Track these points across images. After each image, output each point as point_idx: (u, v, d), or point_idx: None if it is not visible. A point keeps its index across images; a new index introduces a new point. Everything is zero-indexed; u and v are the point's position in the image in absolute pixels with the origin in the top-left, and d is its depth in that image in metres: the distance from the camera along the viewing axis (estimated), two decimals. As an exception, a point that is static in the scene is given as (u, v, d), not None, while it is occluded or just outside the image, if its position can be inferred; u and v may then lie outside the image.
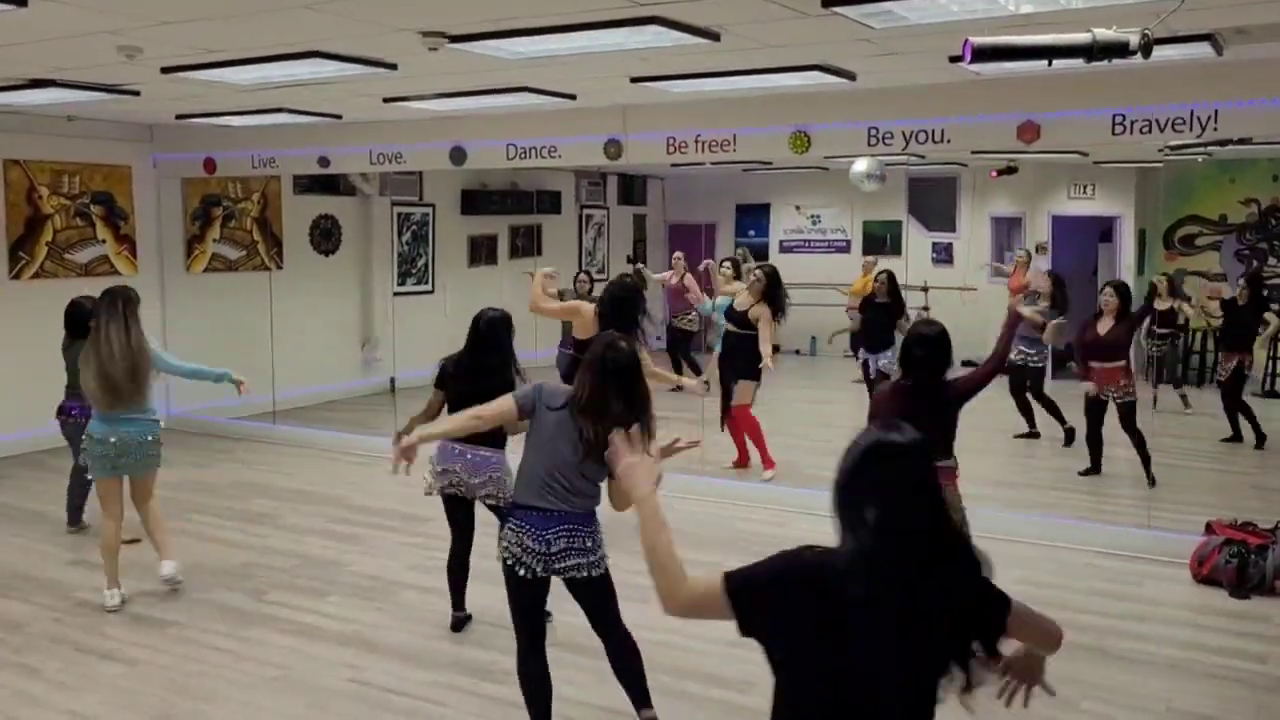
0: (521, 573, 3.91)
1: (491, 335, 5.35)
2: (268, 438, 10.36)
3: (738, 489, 8.09)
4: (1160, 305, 10.65)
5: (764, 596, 2.22)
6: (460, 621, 5.50)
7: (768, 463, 8.43)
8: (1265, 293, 10.73)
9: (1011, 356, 9.95)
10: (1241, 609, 5.87)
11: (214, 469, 9.19)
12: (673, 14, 5.09)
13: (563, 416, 3.95)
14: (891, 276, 10.43)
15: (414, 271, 13.15)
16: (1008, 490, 8.30)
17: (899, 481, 2.21)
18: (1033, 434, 10.06)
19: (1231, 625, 5.64)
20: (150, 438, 5.85)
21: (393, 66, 6.44)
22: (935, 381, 4.92)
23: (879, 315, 10.30)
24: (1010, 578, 6.04)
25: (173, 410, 11.01)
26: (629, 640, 4.16)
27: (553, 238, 14.84)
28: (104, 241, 10.31)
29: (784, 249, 15.88)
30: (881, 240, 14.97)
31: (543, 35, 5.47)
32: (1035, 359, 9.81)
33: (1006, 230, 14.52)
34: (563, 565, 3.93)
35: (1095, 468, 8.57)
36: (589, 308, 6.56)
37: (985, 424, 10.03)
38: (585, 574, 3.96)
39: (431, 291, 13.12)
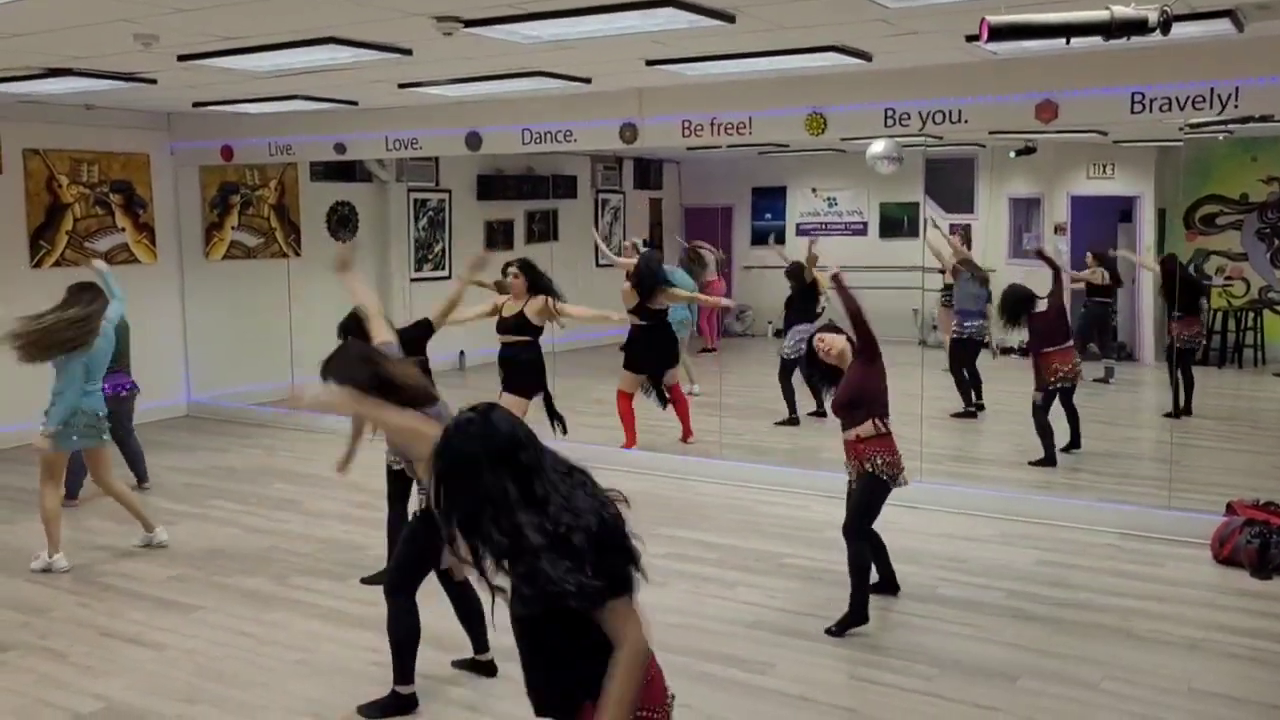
0: None
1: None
2: (288, 423, 10.43)
3: (757, 473, 8.09)
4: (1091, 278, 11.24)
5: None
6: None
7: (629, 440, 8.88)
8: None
9: (954, 333, 10.12)
10: (1263, 589, 5.85)
11: (235, 455, 9.26)
12: (688, -4, 5.08)
13: None
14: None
15: (430, 257, 13.18)
16: (1027, 471, 8.27)
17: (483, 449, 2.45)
18: (970, 410, 10.14)
19: (1253, 606, 5.63)
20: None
21: (408, 52, 6.45)
22: None
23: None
24: (1031, 559, 6.12)
25: (193, 397, 11.11)
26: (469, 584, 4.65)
27: (569, 222, 14.82)
28: (123, 230, 10.37)
29: (800, 231, 15.80)
30: (899, 222, 14.89)
31: (557, 19, 5.47)
32: (977, 332, 10.10)
33: (1025, 211, 14.41)
34: None
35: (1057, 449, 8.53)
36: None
37: (997, 408, 10.03)
38: None
39: (449, 277, 13.12)
